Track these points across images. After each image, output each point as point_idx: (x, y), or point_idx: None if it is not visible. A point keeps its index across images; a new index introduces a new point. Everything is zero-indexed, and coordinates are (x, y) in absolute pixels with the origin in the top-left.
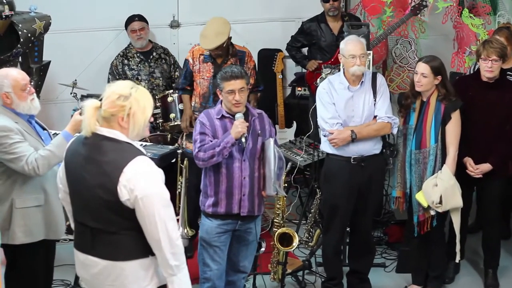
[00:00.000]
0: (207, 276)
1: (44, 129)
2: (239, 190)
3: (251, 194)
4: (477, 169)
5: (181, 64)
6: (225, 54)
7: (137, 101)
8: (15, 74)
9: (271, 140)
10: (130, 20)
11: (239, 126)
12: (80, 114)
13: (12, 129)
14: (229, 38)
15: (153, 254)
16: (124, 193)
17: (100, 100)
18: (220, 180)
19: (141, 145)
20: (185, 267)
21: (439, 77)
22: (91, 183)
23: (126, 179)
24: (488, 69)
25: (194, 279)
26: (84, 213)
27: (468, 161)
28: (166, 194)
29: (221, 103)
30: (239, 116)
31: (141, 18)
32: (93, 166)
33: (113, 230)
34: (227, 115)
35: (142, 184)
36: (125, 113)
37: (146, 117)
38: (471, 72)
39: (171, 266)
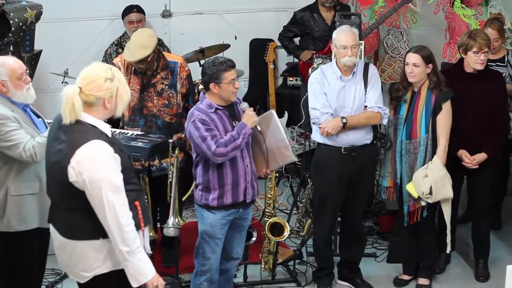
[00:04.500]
0: (205, 269)
1: (38, 116)
2: (244, 178)
3: (252, 180)
4: (473, 160)
5: None
6: (153, 68)
7: (120, 80)
8: (12, 63)
9: (273, 111)
10: (128, 10)
11: (254, 115)
12: None
13: (8, 117)
14: (156, 52)
15: (105, 237)
16: (72, 175)
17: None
18: (225, 172)
19: (132, 134)
20: (140, 251)
21: (431, 65)
22: (51, 160)
23: (76, 161)
24: (481, 61)
25: (185, 268)
26: (48, 188)
27: (464, 153)
28: (116, 179)
29: (205, 98)
30: (246, 106)
31: (139, 9)
32: (56, 144)
33: (66, 208)
34: (220, 107)
35: (90, 168)
36: (112, 94)
37: (128, 92)
38: (456, 62)
39: (121, 250)
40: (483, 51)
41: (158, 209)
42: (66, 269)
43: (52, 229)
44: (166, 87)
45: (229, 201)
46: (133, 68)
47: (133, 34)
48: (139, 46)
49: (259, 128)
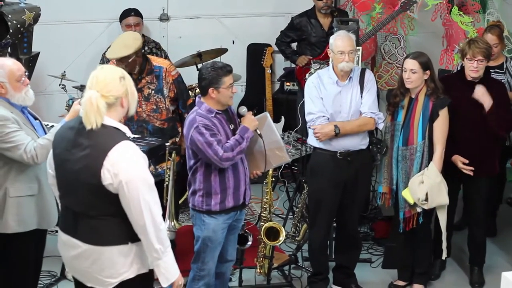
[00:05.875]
0: (204, 274)
1: (36, 118)
2: (244, 181)
3: (249, 182)
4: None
5: (172, 59)
6: (136, 71)
7: (128, 77)
8: (11, 64)
9: (267, 113)
10: (126, 14)
11: (254, 119)
12: (80, 103)
13: (8, 118)
14: (139, 54)
15: (133, 241)
16: (107, 177)
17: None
18: (227, 176)
19: (129, 137)
20: (170, 251)
21: (428, 72)
22: (75, 166)
23: (111, 164)
24: (474, 69)
25: (181, 272)
26: (68, 197)
27: (458, 158)
28: (150, 178)
29: (203, 103)
30: (245, 109)
31: (137, 13)
32: (78, 150)
33: (93, 214)
34: (219, 112)
35: (126, 169)
36: (127, 92)
37: (134, 88)
38: (459, 69)
39: (156, 250)
40: (476, 59)
41: None
42: (85, 278)
43: (68, 239)
44: (153, 91)
45: (230, 204)
46: None
47: (119, 36)
48: (121, 45)
49: (259, 132)
